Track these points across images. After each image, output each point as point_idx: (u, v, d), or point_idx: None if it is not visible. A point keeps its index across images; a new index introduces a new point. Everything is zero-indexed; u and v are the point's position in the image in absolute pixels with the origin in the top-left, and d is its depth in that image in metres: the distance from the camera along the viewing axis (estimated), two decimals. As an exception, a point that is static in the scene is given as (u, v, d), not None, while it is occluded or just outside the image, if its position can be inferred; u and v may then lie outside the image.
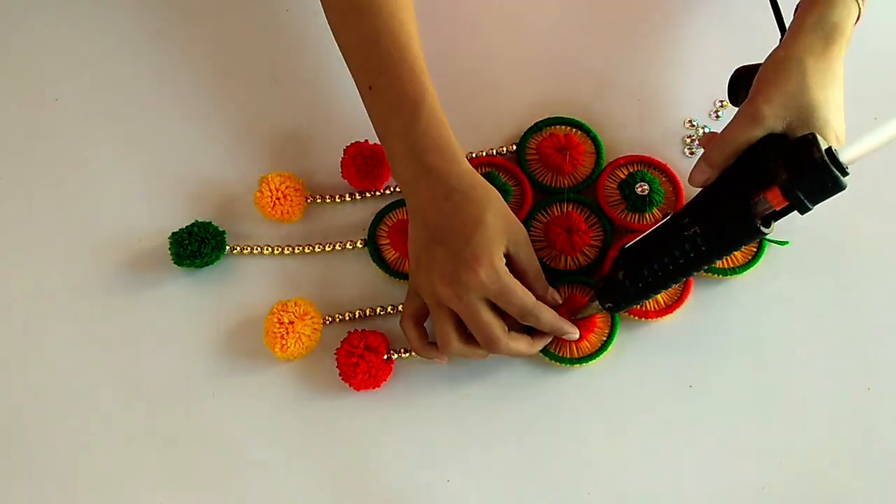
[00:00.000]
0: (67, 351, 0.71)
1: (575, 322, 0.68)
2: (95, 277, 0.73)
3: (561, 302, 0.68)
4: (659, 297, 0.71)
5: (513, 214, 0.66)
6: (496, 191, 0.66)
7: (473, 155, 0.76)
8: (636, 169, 0.75)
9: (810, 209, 0.57)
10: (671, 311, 0.71)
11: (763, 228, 0.59)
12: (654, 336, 0.71)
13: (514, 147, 0.77)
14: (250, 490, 0.67)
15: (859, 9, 0.64)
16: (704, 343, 0.70)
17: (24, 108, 0.80)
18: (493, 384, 0.69)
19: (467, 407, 0.69)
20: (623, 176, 0.75)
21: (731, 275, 0.72)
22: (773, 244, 0.73)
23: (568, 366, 0.69)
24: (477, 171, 0.73)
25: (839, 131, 0.62)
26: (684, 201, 0.74)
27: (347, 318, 0.71)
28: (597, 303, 0.67)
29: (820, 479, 0.66)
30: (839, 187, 0.56)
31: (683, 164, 0.76)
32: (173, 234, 0.72)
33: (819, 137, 0.58)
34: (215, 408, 0.69)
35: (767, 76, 0.63)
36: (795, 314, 0.71)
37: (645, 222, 0.73)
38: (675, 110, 0.79)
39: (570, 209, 0.74)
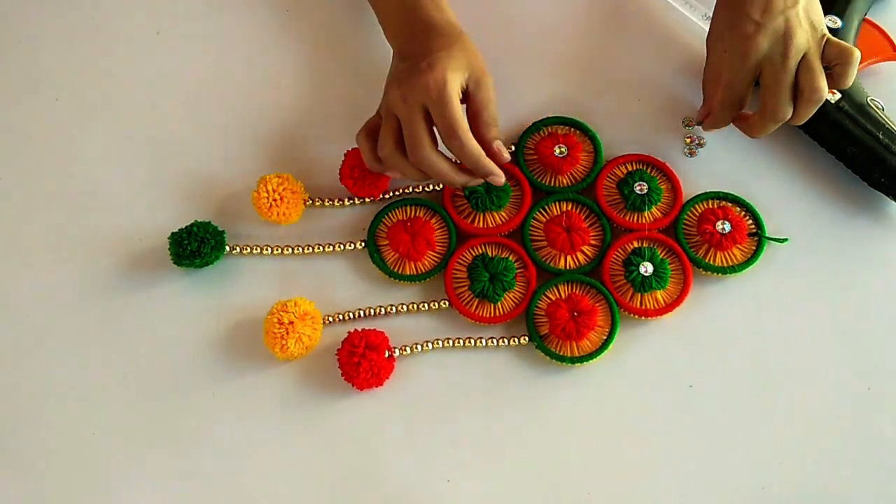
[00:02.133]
0: (67, 351, 0.70)
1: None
2: (95, 277, 0.72)
3: (508, 158, 0.68)
4: (658, 295, 0.70)
5: (482, 62, 0.68)
6: (473, 44, 0.68)
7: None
8: (635, 168, 0.74)
9: None
10: (671, 310, 0.69)
11: None
12: (654, 335, 0.70)
13: (513, 147, 0.76)
14: (251, 490, 0.65)
15: None
16: (704, 342, 0.69)
17: (24, 107, 0.79)
18: (494, 384, 0.68)
19: (468, 406, 0.68)
20: (622, 175, 0.74)
21: (730, 273, 0.71)
22: (772, 242, 0.72)
23: (568, 365, 0.68)
24: None
25: (756, 13, 0.66)
26: (682, 200, 0.73)
27: (347, 318, 0.70)
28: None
29: (820, 479, 0.65)
30: None
31: (682, 164, 0.75)
32: (173, 234, 0.71)
33: None
34: (215, 408, 0.68)
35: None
36: (795, 313, 0.70)
37: (644, 221, 0.72)
38: (674, 110, 0.78)
39: (569, 209, 0.73)
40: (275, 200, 0.71)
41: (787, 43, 0.65)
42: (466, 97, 0.67)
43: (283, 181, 0.72)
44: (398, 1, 0.71)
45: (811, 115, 0.67)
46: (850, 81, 0.67)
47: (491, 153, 0.67)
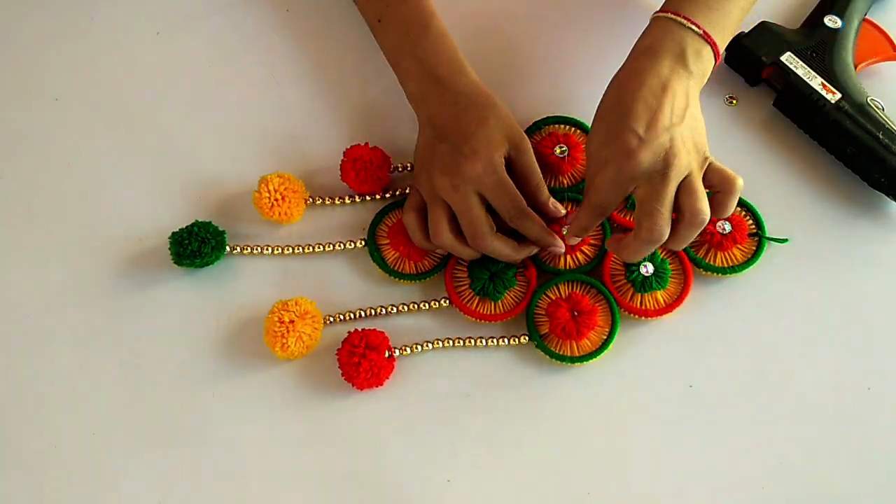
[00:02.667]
0: (67, 351, 0.69)
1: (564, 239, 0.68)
2: (95, 277, 0.71)
3: (563, 213, 0.68)
4: (658, 295, 0.69)
5: (516, 123, 0.68)
6: (502, 102, 0.68)
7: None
8: (635, 168, 0.74)
9: None
10: (671, 310, 0.69)
11: None
12: (654, 335, 0.69)
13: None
14: (251, 490, 0.65)
15: (696, 31, 0.64)
16: (704, 342, 0.69)
17: (24, 107, 0.79)
18: (494, 383, 0.68)
19: (468, 406, 0.67)
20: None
21: (730, 273, 0.70)
22: (772, 242, 0.71)
23: (568, 364, 0.67)
24: None
25: (641, 126, 0.60)
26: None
27: (348, 317, 0.69)
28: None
29: (820, 479, 0.64)
30: None
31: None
32: (173, 234, 0.70)
33: None
34: (215, 408, 0.67)
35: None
36: (795, 313, 0.70)
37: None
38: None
39: (569, 209, 0.72)
40: (276, 200, 0.71)
41: (668, 162, 0.60)
42: (510, 164, 0.67)
43: (285, 181, 0.71)
44: (417, 66, 0.70)
45: (692, 239, 0.63)
46: (730, 211, 0.63)
47: (548, 212, 0.68)
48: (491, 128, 0.66)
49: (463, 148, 0.64)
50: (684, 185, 0.61)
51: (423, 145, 0.68)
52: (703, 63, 0.64)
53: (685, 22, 0.64)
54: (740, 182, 0.63)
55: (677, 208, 0.62)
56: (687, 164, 0.61)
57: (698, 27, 0.64)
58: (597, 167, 0.62)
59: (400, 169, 0.74)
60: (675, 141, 0.60)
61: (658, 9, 0.66)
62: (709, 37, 0.64)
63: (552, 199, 0.68)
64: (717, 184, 0.63)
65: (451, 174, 0.64)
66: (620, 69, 0.65)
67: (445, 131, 0.66)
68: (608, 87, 0.65)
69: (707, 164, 0.63)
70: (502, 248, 0.66)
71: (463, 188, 0.64)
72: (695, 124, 0.63)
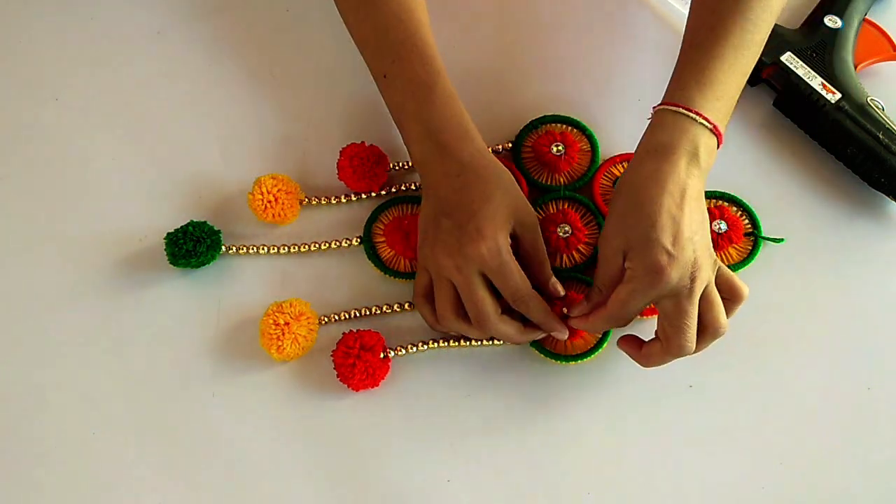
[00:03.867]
0: (64, 350, 0.68)
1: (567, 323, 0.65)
2: (92, 277, 0.71)
3: (563, 294, 0.65)
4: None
5: (524, 198, 0.64)
6: (509, 172, 0.64)
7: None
8: (632, 167, 0.73)
9: None
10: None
11: None
12: (650, 333, 0.66)
13: (510, 145, 0.74)
14: (249, 490, 0.64)
15: (707, 126, 0.61)
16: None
17: (24, 107, 0.78)
18: (493, 383, 0.67)
19: (467, 407, 0.66)
20: (618, 174, 0.72)
21: (727, 272, 0.69)
22: (768, 242, 0.70)
23: (563, 363, 0.66)
24: None
25: (668, 240, 0.58)
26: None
27: (343, 318, 0.68)
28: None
29: (820, 479, 0.63)
30: None
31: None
32: (169, 234, 0.69)
33: None
34: (213, 408, 0.66)
35: (609, 206, 0.62)
36: (792, 313, 0.69)
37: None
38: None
39: (565, 207, 0.71)
40: (269, 202, 0.70)
41: (694, 276, 0.58)
42: (515, 240, 0.63)
43: (279, 182, 0.71)
44: (422, 129, 0.65)
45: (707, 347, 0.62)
46: (728, 319, 0.61)
47: (548, 292, 0.65)
48: (496, 204, 0.62)
49: (467, 227, 0.61)
50: (705, 296, 0.60)
51: (426, 218, 0.65)
52: (711, 157, 0.62)
53: (697, 118, 0.61)
54: (747, 293, 0.61)
55: (699, 319, 0.60)
56: (708, 275, 0.59)
57: (709, 122, 0.61)
58: (614, 272, 0.60)
59: (398, 167, 0.73)
60: (697, 253, 0.58)
61: (664, 98, 0.63)
62: (717, 131, 0.62)
63: (553, 279, 0.65)
64: (725, 291, 0.61)
65: (455, 255, 0.61)
66: (634, 168, 0.61)
67: (449, 206, 0.63)
68: (622, 184, 0.61)
69: (717, 267, 0.61)
70: (507, 331, 0.63)
71: (466, 270, 0.61)
72: (706, 226, 0.61)
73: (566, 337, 0.65)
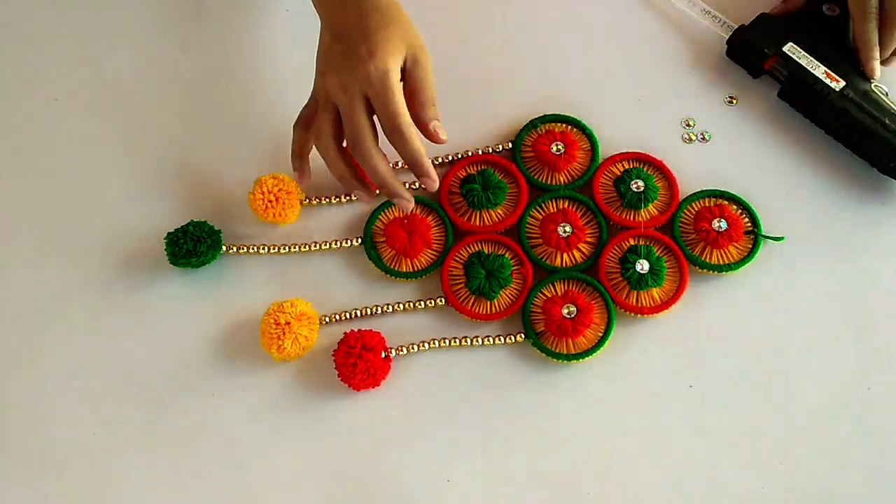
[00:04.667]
0: (65, 350, 0.68)
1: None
2: (91, 277, 0.70)
3: (444, 140, 0.63)
4: (654, 292, 0.68)
5: (420, 38, 0.64)
6: (406, 14, 0.64)
7: (469, 153, 0.73)
8: (632, 166, 0.72)
9: None
10: (667, 308, 0.67)
11: None
12: (650, 332, 0.68)
13: (510, 144, 0.74)
14: (249, 490, 0.64)
15: None
16: (700, 340, 0.67)
17: (24, 108, 0.77)
18: (490, 382, 0.66)
19: (465, 406, 0.66)
20: (618, 173, 0.72)
21: (726, 271, 0.68)
22: (768, 240, 0.70)
23: (565, 362, 0.66)
24: (472, 168, 0.73)
25: None
26: (679, 198, 0.71)
27: (344, 317, 0.68)
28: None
29: (820, 479, 0.63)
30: None
31: (679, 161, 0.73)
32: (169, 233, 0.69)
33: None
34: (213, 408, 0.66)
35: None
36: (792, 311, 0.68)
37: (640, 219, 0.70)
38: (673, 108, 0.76)
39: (565, 206, 0.71)
40: (270, 202, 0.69)
41: None
42: (404, 75, 0.63)
43: (279, 182, 0.70)
44: None
45: None
46: None
47: (428, 134, 0.63)
48: (390, 32, 0.62)
49: (359, 48, 0.61)
50: None
51: (322, 50, 0.65)
52: None
53: None
54: None
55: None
56: None
57: None
58: None
59: (397, 167, 0.73)
60: None
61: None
62: None
63: (436, 122, 0.63)
64: None
65: (342, 73, 0.61)
66: None
67: (345, 31, 0.63)
68: None
69: None
70: (378, 163, 0.62)
71: (351, 89, 0.60)
72: None
73: (436, 186, 0.63)
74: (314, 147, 0.65)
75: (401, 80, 0.62)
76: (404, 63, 0.62)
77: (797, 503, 0.63)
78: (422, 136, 0.62)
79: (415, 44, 0.63)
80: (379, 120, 0.61)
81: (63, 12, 0.82)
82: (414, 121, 0.62)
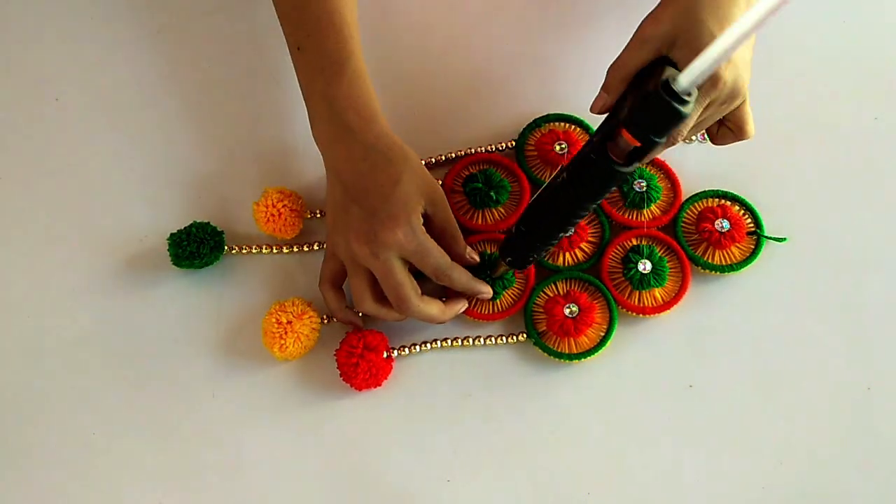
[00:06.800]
0: (66, 351, 0.68)
1: (491, 283, 0.66)
2: (94, 278, 0.70)
3: (479, 260, 0.66)
4: (656, 292, 0.67)
5: (430, 175, 0.64)
6: (413, 152, 0.63)
7: (472, 152, 0.73)
8: (634, 166, 0.72)
9: (660, 143, 0.51)
10: (669, 308, 0.67)
11: (622, 168, 0.53)
12: (652, 333, 0.68)
13: (513, 143, 0.73)
14: (250, 490, 0.64)
15: None
16: (702, 340, 0.67)
17: (24, 108, 0.77)
18: (492, 382, 0.66)
19: (467, 406, 0.66)
20: (620, 172, 0.72)
21: (728, 272, 0.68)
22: (770, 241, 0.70)
23: (566, 361, 0.66)
24: (475, 167, 0.73)
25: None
26: (682, 198, 0.71)
27: (346, 317, 0.68)
28: (500, 261, 0.65)
29: (820, 478, 0.63)
30: (679, 117, 0.49)
31: (681, 161, 0.73)
32: (172, 235, 0.69)
33: (668, 68, 0.51)
34: (215, 408, 0.66)
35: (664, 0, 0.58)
36: (793, 312, 0.68)
37: (643, 219, 0.70)
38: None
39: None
40: (272, 216, 0.69)
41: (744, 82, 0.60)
42: (427, 219, 0.63)
43: (284, 197, 0.69)
44: (327, 108, 0.63)
45: None
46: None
47: (464, 262, 0.65)
48: (406, 186, 0.61)
49: (379, 213, 0.60)
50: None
51: (335, 205, 0.64)
52: None
53: None
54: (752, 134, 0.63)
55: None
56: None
57: None
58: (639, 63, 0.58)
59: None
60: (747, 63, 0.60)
61: None
62: None
63: (468, 249, 0.65)
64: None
65: (370, 241, 0.60)
66: None
67: (358, 192, 0.62)
68: None
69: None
70: (430, 311, 0.63)
71: (383, 255, 0.60)
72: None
73: (491, 295, 0.66)
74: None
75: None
76: (424, 210, 0.62)
77: (797, 503, 0.62)
78: None
79: (428, 186, 0.63)
80: (423, 272, 0.62)
81: (63, 12, 0.81)
82: (449, 254, 0.63)
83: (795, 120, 0.74)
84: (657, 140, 0.51)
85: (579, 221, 0.62)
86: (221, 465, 0.64)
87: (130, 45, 0.80)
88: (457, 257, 0.64)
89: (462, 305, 0.66)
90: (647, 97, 0.50)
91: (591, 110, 0.60)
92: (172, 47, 0.79)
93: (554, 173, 0.59)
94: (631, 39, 0.57)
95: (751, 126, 0.61)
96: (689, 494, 0.63)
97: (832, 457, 0.63)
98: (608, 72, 0.58)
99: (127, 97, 0.77)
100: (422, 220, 0.62)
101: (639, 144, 0.51)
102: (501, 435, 0.65)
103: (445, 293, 0.66)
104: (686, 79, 0.48)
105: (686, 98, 0.49)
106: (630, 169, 0.53)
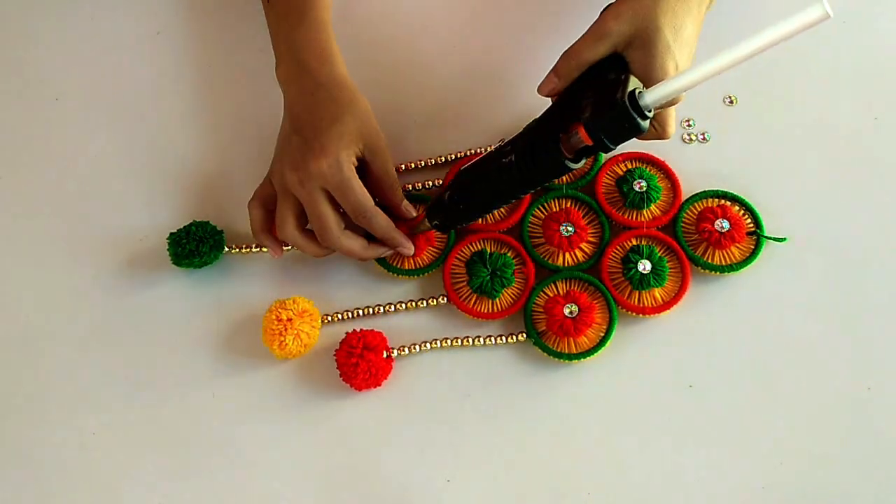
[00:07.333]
0: (66, 350, 0.68)
1: (413, 238, 0.68)
2: (94, 277, 0.70)
3: (415, 215, 0.67)
4: (656, 292, 0.67)
5: (376, 126, 0.66)
6: (365, 100, 0.66)
7: (470, 152, 0.73)
8: (634, 166, 0.72)
9: (612, 149, 0.54)
10: (668, 308, 0.67)
11: (570, 163, 0.56)
12: (652, 333, 0.67)
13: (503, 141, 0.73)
14: (250, 489, 0.63)
15: None
16: (702, 340, 0.67)
17: (24, 107, 0.77)
18: (492, 382, 0.66)
19: (466, 406, 0.65)
20: (621, 173, 0.72)
21: (728, 272, 0.68)
22: (770, 241, 0.70)
23: (566, 361, 0.66)
24: None
25: (681, 62, 0.59)
26: (681, 198, 0.71)
27: (346, 317, 0.68)
28: (426, 220, 0.66)
29: (820, 479, 0.63)
30: (638, 130, 0.52)
31: (681, 161, 0.72)
32: (171, 234, 0.69)
33: (632, 78, 0.54)
34: (215, 407, 0.66)
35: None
36: (793, 312, 0.68)
37: (643, 219, 0.70)
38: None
39: (568, 206, 0.71)
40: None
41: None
42: (364, 165, 0.65)
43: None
44: (287, 50, 0.68)
45: None
46: None
47: (399, 213, 0.67)
48: (344, 125, 0.64)
49: (313, 144, 0.63)
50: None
51: (282, 134, 0.67)
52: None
53: None
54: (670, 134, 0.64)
55: None
56: None
57: None
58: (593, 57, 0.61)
59: (402, 169, 0.73)
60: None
61: None
62: None
63: (405, 202, 0.67)
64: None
65: (299, 169, 0.63)
66: None
67: (300, 122, 0.65)
68: None
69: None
70: (351, 245, 0.65)
71: (309, 185, 0.63)
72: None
73: (412, 252, 0.67)
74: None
75: (360, 166, 0.65)
76: (362, 153, 0.64)
77: (797, 503, 0.62)
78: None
79: (370, 132, 0.65)
80: (344, 209, 0.64)
81: (63, 12, 0.81)
82: (385, 204, 0.65)
83: (795, 120, 0.74)
84: (611, 146, 0.54)
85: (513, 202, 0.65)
86: (221, 464, 0.64)
87: (130, 45, 0.80)
88: (393, 207, 0.66)
89: (384, 250, 0.67)
90: (613, 105, 0.52)
91: (539, 92, 0.63)
92: (172, 47, 0.80)
93: (497, 145, 0.61)
94: (589, 30, 0.60)
95: (672, 128, 0.63)
96: (689, 494, 0.62)
97: (832, 457, 0.63)
98: (562, 57, 0.61)
99: (127, 97, 0.77)
100: (354, 160, 0.64)
101: (591, 144, 0.54)
102: (501, 435, 0.65)
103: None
104: (651, 98, 0.52)
105: (647, 114, 0.52)
106: (577, 166, 0.56)
